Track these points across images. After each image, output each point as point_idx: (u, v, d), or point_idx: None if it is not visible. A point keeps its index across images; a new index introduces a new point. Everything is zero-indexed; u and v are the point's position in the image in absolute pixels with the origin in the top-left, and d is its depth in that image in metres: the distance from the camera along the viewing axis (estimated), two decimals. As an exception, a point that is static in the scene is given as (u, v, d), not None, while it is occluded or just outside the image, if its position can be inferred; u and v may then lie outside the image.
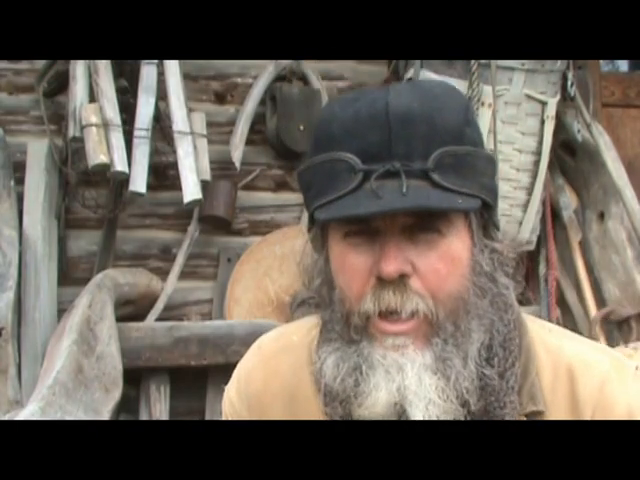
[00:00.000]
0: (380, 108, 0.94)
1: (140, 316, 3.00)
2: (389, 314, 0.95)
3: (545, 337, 1.06)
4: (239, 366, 1.20)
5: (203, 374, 2.92)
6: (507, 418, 0.98)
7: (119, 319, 2.78)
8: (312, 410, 1.07)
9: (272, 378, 1.13)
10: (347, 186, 0.94)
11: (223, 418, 1.24)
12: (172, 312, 3.16)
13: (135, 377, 2.84)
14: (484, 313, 0.98)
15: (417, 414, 0.94)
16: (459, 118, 0.96)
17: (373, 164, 0.93)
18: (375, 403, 0.95)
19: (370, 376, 0.95)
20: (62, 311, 2.85)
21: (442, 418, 0.94)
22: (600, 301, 3.23)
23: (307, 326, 1.12)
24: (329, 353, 1.00)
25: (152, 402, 2.87)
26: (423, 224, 0.95)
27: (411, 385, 0.94)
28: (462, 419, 0.96)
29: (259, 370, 1.16)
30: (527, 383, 1.01)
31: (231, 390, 1.19)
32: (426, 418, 0.94)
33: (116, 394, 2.59)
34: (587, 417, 1.02)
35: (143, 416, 2.88)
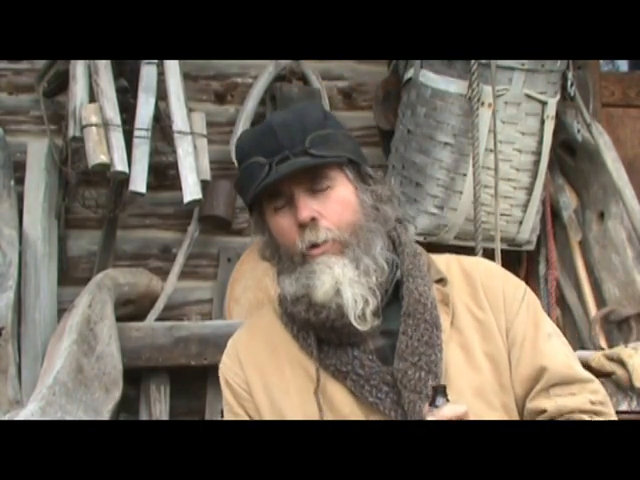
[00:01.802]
0: (266, 125, 1.46)
1: (140, 316, 2.99)
2: (312, 246, 1.40)
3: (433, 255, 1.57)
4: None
5: (203, 374, 2.92)
6: (425, 278, 1.46)
7: (119, 319, 2.78)
8: (290, 349, 1.47)
9: (254, 333, 1.54)
10: (261, 175, 1.41)
11: (222, 385, 1.52)
12: (172, 312, 3.15)
13: (135, 377, 2.84)
14: (375, 229, 1.44)
15: (346, 290, 1.38)
16: (319, 116, 1.46)
17: (273, 157, 1.40)
18: (324, 284, 1.38)
19: (314, 275, 1.39)
20: (62, 311, 2.84)
21: (362, 290, 1.38)
22: (600, 301, 3.22)
23: (268, 306, 1.57)
24: (285, 278, 1.44)
25: (152, 402, 2.87)
26: (316, 183, 1.42)
27: (339, 275, 1.39)
28: (374, 289, 1.40)
29: (243, 335, 1.56)
30: (432, 266, 1.50)
31: (223, 358, 1.55)
32: (352, 292, 1.37)
33: (116, 394, 2.59)
34: (476, 278, 1.48)
35: (143, 416, 2.88)
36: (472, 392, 1.38)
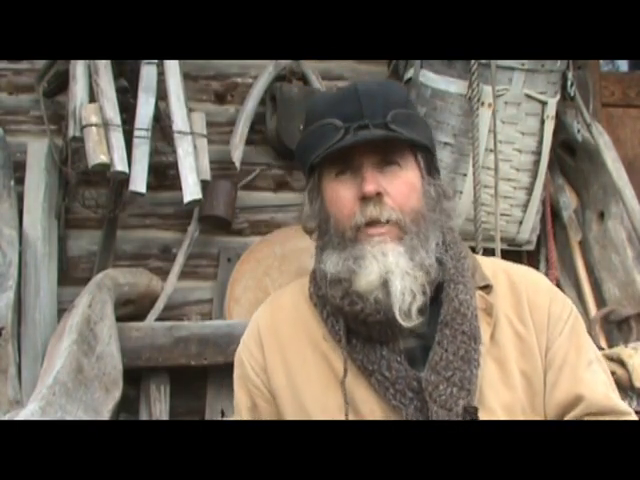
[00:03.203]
0: (350, 89, 1.38)
1: (140, 316, 2.99)
2: (372, 223, 1.33)
3: (477, 255, 1.52)
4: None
5: (203, 374, 2.92)
6: (468, 284, 1.39)
7: (119, 319, 2.78)
8: (314, 333, 1.41)
9: (278, 311, 1.48)
10: (335, 139, 1.34)
11: (235, 362, 1.48)
12: (172, 312, 3.15)
13: (135, 377, 2.84)
14: (435, 221, 1.39)
15: (396, 282, 1.31)
16: (404, 95, 1.42)
17: (351, 123, 1.34)
18: (371, 273, 1.31)
19: (363, 260, 1.32)
20: (62, 311, 2.84)
21: (412, 284, 1.31)
22: (600, 301, 3.23)
23: (293, 284, 1.52)
24: (331, 254, 1.36)
25: (152, 402, 2.87)
26: (386, 159, 1.35)
27: (392, 264, 1.31)
28: (425, 285, 1.33)
29: (266, 311, 1.50)
30: (477, 271, 1.44)
31: (244, 337, 1.49)
32: (402, 284, 1.31)
33: (116, 394, 2.59)
34: (522, 291, 1.41)
35: (143, 416, 2.88)
36: (502, 410, 1.33)
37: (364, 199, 1.33)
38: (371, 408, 1.34)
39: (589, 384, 1.36)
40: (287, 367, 1.41)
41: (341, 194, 1.35)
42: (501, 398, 1.34)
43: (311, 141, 1.38)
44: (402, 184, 1.35)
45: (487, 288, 1.41)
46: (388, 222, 1.33)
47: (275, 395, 1.42)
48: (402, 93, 1.42)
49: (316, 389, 1.37)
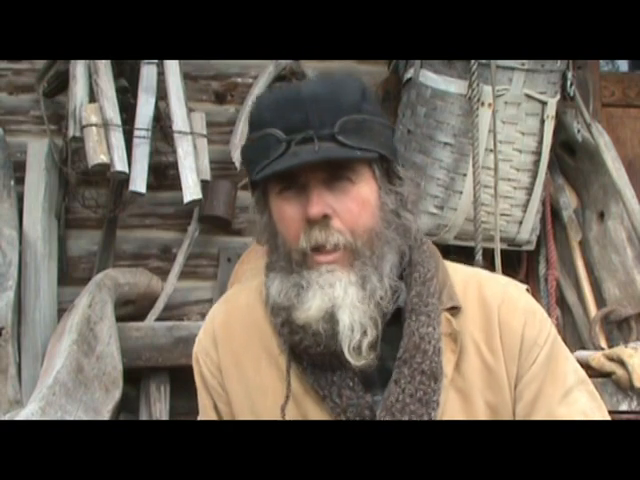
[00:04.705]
0: (295, 93, 1.23)
1: (140, 316, 2.99)
2: (318, 248, 1.20)
3: (452, 264, 1.37)
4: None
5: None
6: (431, 314, 1.25)
7: (119, 319, 2.78)
8: (269, 342, 1.30)
9: (233, 311, 1.37)
10: (276, 153, 1.20)
11: (193, 362, 1.39)
12: (172, 312, 3.16)
13: (135, 377, 2.84)
14: (392, 240, 1.25)
15: (344, 316, 1.19)
16: (356, 96, 1.24)
17: (294, 135, 1.20)
18: (310, 308, 1.19)
19: (308, 290, 1.20)
20: (62, 311, 2.84)
21: (362, 318, 1.19)
22: (600, 301, 3.23)
23: (252, 283, 1.38)
24: (275, 278, 1.25)
25: (152, 402, 2.87)
26: (336, 175, 1.21)
27: (339, 296, 1.19)
28: (376, 318, 1.21)
29: (222, 310, 1.40)
30: (445, 289, 1.29)
31: (200, 333, 1.41)
32: (350, 319, 1.19)
33: (116, 394, 2.59)
34: (494, 310, 1.27)
35: (143, 416, 2.88)
36: None
37: (310, 222, 1.20)
38: None
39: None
40: (241, 372, 1.33)
41: (286, 214, 1.23)
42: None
43: (252, 153, 1.25)
44: (353, 202, 1.21)
45: (455, 309, 1.27)
46: (336, 247, 1.20)
47: (230, 400, 1.34)
48: (355, 93, 1.24)
49: (271, 402, 1.28)
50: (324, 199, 1.20)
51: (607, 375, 2.66)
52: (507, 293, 1.30)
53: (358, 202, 1.22)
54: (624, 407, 2.68)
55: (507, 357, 1.25)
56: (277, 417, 1.26)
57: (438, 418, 1.22)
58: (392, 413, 1.22)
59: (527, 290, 1.35)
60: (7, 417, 2.31)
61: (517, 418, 1.24)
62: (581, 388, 1.28)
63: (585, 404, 1.26)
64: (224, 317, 1.38)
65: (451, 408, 1.24)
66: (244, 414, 1.32)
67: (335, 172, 1.21)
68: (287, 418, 1.25)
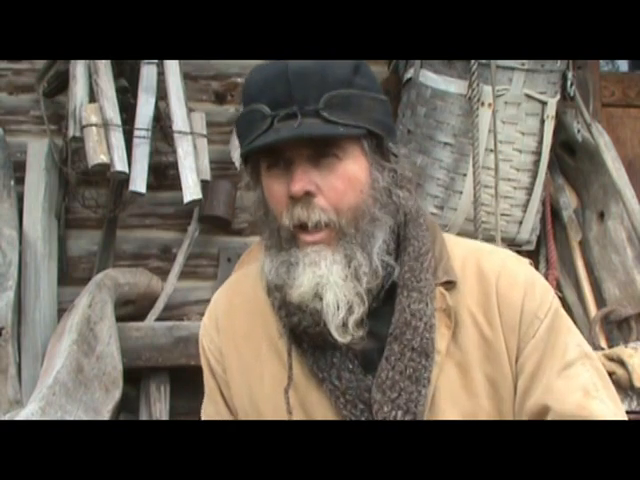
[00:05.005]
0: (282, 68, 1.21)
1: (140, 316, 2.99)
2: (302, 226, 1.19)
3: (455, 238, 1.36)
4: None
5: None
6: (423, 290, 1.23)
7: (119, 319, 2.78)
8: (269, 326, 1.30)
9: (235, 296, 1.38)
10: (261, 128, 1.19)
11: (200, 350, 1.41)
12: (172, 312, 3.16)
13: (135, 377, 2.84)
14: (382, 216, 1.22)
15: (328, 294, 1.19)
16: (347, 70, 1.22)
17: (279, 110, 1.18)
18: (302, 284, 1.19)
19: (296, 267, 1.20)
20: (62, 311, 2.84)
21: (348, 296, 1.19)
22: (600, 301, 3.23)
23: (255, 266, 1.34)
24: (267, 257, 1.25)
25: (152, 402, 2.87)
26: (322, 152, 1.19)
27: (324, 274, 1.19)
28: (363, 295, 1.20)
29: (225, 295, 1.40)
30: (442, 264, 1.27)
31: (204, 318, 1.41)
32: (335, 297, 1.18)
33: (116, 394, 2.59)
34: (492, 283, 1.25)
35: (143, 416, 2.88)
36: (461, 419, 1.22)
37: (293, 199, 1.19)
38: (324, 413, 1.26)
39: (560, 394, 1.20)
40: (241, 359, 1.33)
41: (274, 190, 1.22)
42: (461, 407, 1.22)
43: (241, 128, 1.25)
44: (338, 179, 1.19)
45: (450, 284, 1.25)
46: (318, 225, 1.19)
47: (229, 386, 1.35)
48: (345, 68, 1.22)
49: (268, 389, 1.29)
50: (308, 176, 1.19)
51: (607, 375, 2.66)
52: (506, 266, 1.28)
53: (344, 179, 1.20)
54: (624, 407, 2.68)
55: (506, 330, 1.23)
56: (274, 404, 1.27)
57: (428, 401, 1.21)
58: (383, 390, 1.21)
59: (530, 264, 1.32)
60: (7, 417, 2.31)
61: (518, 392, 1.23)
62: (585, 362, 1.24)
63: (587, 380, 1.22)
64: (227, 302, 1.38)
65: (449, 382, 1.22)
66: (242, 401, 1.34)
67: (321, 149, 1.19)
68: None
